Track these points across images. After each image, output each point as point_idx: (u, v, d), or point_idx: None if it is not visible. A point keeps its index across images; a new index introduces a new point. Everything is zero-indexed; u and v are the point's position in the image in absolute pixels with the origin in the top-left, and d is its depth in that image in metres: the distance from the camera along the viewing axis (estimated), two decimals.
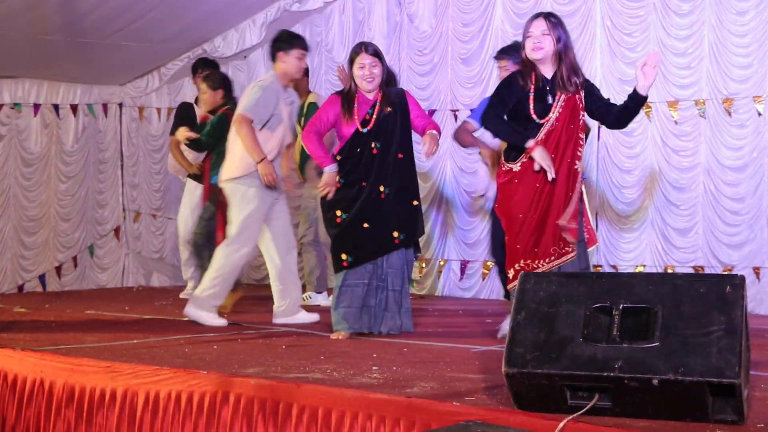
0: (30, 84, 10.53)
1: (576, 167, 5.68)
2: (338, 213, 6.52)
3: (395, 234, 6.52)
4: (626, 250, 8.88)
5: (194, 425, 4.68)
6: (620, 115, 5.71)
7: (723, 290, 3.79)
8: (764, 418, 3.79)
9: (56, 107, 10.77)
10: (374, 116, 6.52)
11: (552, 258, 5.68)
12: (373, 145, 6.51)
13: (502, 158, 5.86)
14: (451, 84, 9.93)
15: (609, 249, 8.95)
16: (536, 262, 5.67)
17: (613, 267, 8.78)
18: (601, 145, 8.98)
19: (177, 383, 4.79)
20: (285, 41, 7.21)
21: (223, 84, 8.54)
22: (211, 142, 8.23)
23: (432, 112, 9.93)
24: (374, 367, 5.10)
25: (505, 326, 6.92)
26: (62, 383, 5.20)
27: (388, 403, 4.13)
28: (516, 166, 5.69)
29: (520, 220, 5.69)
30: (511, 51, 6.95)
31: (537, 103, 5.68)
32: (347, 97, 6.54)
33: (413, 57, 10.24)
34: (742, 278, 3.83)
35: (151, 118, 11.55)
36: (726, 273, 7.94)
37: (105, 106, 11.24)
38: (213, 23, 10.48)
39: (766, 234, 8.27)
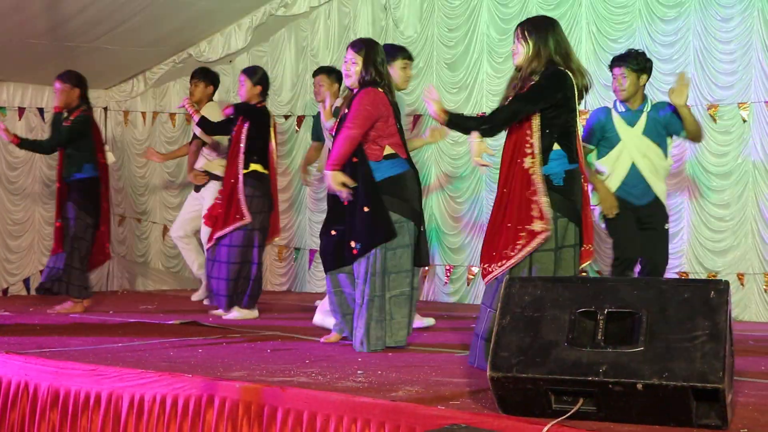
0: (15, 87, 10.51)
1: (524, 165, 5.40)
2: (333, 232, 6.37)
3: (352, 244, 6.17)
4: (611, 255, 8.88)
5: (179, 428, 4.67)
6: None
7: (707, 295, 3.80)
8: (747, 423, 3.80)
9: (41, 111, 10.75)
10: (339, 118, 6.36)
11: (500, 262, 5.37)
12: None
13: None
14: (436, 89, 9.93)
15: (596, 254, 8.96)
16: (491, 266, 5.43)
17: (598, 272, 8.79)
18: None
19: (162, 386, 4.78)
20: (388, 53, 7.20)
21: (79, 83, 8.61)
22: (62, 141, 8.47)
23: (417, 117, 9.94)
24: (359, 371, 5.10)
25: None
26: (47, 386, 5.19)
27: (373, 407, 4.13)
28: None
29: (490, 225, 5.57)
30: (629, 59, 6.97)
31: None
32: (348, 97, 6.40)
33: None
34: (727, 284, 3.84)
35: (136, 122, 11.53)
36: (710, 279, 7.96)
37: None
38: (199, 27, 10.48)
39: (751, 240, 8.31)
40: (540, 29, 5.46)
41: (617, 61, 7.04)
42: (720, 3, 8.47)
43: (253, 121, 8.05)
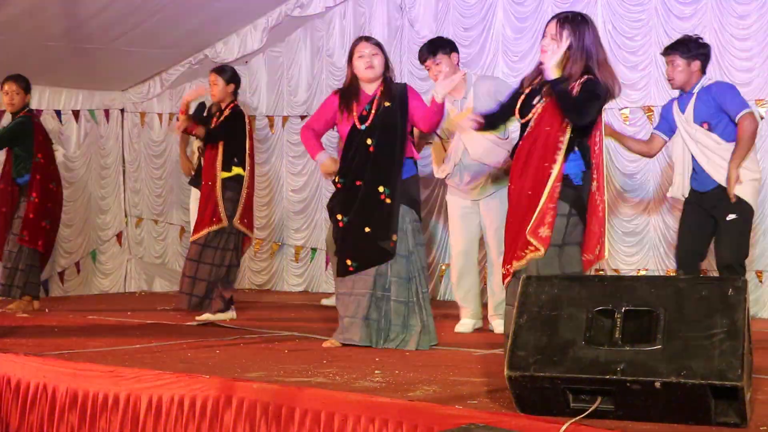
0: (32, 90, 10.53)
1: (547, 167, 5.28)
2: (339, 217, 6.27)
3: (394, 237, 6.17)
4: (628, 254, 8.89)
5: (197, 429, 4.68)
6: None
7: (725, 293, 3.79)
8: (767, 421, 3.79)
9: (58, 113, 10.79)
10: (372, 111, 6.22)
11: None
12: (369, 142, 6.20)
13: None
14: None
15: (611, 253, 8.96)
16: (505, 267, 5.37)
17: (615, 271, 8.78)
18: (603, 149, 8.97)
19: (180, 387, 4.79)
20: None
21: (28, 88, 8.84)
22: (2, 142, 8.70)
23: None
24: (377, 371, 5.10)
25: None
26: (65, 388, 5.20)
27: (390, 407, 4.13)
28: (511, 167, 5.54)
29: (506, 226, 5.41)
30: (679, 46, 6.81)
31: (524, 104, 5.44)
32: (346, 93, 6.31)
33: (414, 61, 10.21)
34: (745, 281, 3.82)
35: (153, 124, 11.57)
36: (728, 276, 7.92)
37: (107, 112, 11.26)
38: (215, 28, 10.50)
39: None
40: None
41: (668, 49, 6.88)
42: (736, 0, 8.44)
43: (230, 128, 7.97)
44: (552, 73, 5.23)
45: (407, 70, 10.25)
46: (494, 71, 9.64)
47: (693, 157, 6.74)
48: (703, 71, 6.77)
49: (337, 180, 6.32)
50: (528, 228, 5.17)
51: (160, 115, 11.51)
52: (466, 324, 7.33)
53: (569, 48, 5.30)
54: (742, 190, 6.64)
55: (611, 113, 8.93)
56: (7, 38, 9.22)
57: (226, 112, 7.95)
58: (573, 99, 5.19)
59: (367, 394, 4.33)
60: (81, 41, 9.72)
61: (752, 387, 3.93)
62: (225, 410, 4.60)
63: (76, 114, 10.93)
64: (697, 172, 6.75)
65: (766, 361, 5.29)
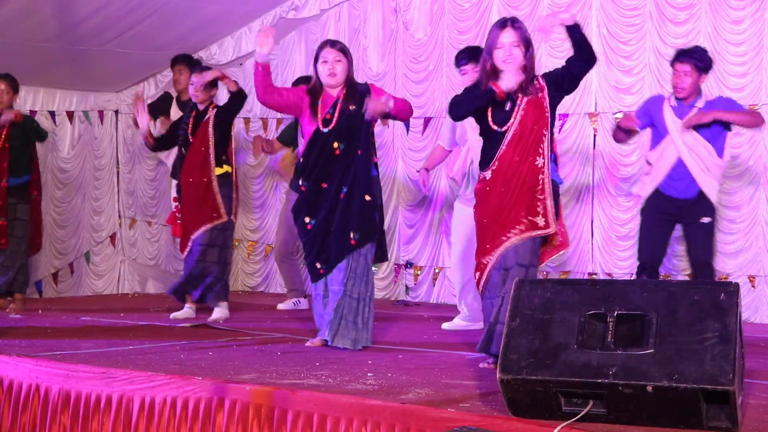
0: (26, 91, 10.50)
1: (537, 164, 5.38)
2: (306, 219, 6.29)
3: (351, 235, 6.22)
4: (622, 258, 8.90)
5: (189, 431, 4.68)
6: (578, 57, 5.40)
7: (717, 298, 3.80)
8: (758, 425, 3.80)
9: (52, 114, 10.76)
10: (335, 114, 6.24)
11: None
12: (336, 145, 6.23)
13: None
14: (446, 91, 9.94)
15: (604, 257, 8.97)
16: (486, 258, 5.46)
17: (609, 275, 8.79)
18: (597, 153, 9.00)
19: (172, 389, 4.79)
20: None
21: (17, 87, 9.04)
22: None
23: (428, 119, 9.95)
24: (369, 374, 5.11)
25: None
26: (58, 389, 5.20)
27: (383, 409, 4.13)
28: (488, 174, 5.45)
29: (485, 225, 5.47)
30: (695, 56, 6.86)
31: (495, 114, 5.45)
32: (313, 92, 6.32)
33: (408, 64, 10.25)
34: (737, 285, 3.84)
35: None
36: (720, 281, 7.95)
37: (101, 113, 11.24)
38: (209, 30, 10.49)
39: (762, 242, 8.30)
40: None
41: (683, 57, 6.85)
42: (731, 5, 8.46)
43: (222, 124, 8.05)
44: (516, 76, 5.35)
45: (402, 73, 10.26)
46: None
47: (678, 164, 6.81)
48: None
49: (300, 183, 6.35)
50: (524, 217, 5.33)
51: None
52: (456, 324, 7.41)
53: (528, 49, 5.46)
54: (714, 196, 6.91)
55: (604, 117, 8.95)
56: (1, 39, 9.21)
57: (212, 108, 8.03)
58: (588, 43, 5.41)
59: (360, 396, 4.34)
60: (75, 42, 9.70)
61: (744, 391, 3.94)
62: (218, 412, 4.61)
63: (70, 115, 10.90)
64: (680, 179, 6.82)
65: (758, 365, 5.31)
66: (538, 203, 5.31)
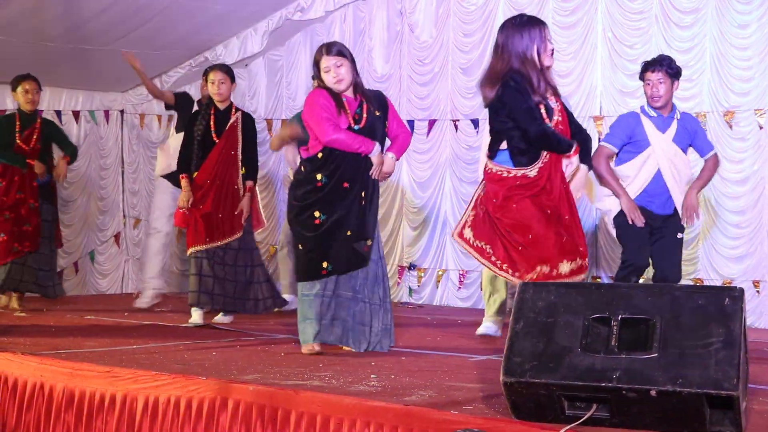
0: None
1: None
2: (317, 214, 6.09)
3: (368, 242, 6.18)
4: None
5: (192, 431, 4.68)
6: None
7: (722, 302, 3.80)
8: (762, 430, 3.80)
9: (58, 113, 10.79)
10: (364, 115, 6.13)
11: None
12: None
13: (495, 163, 5.91)
14: (451, 94, 9.96)
15: (609, 261, 8.97)
16: (553, 271, 5.73)
17: (612, 278, 8.79)
18: None
19: (176, 389, 4.79)
20: None
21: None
22: None
23: (432, 121, 9.95)
24: (372, 375, 5.11)
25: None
26: (62, 387, 5.21)
27: (386, 411, 4.13)
28: (532, 171, 5.78)
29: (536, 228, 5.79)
30: (664, 63, 6.90)
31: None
32: (332, 92, 6.12)
33: (414, 66, 10.27)
34: (741, 290, 3.83)
35: (152, 125, 11.57)
36: (725, 285, 7.94)
37: (107, 113, 11.26)
38: (215, 31, 10.51)
39: (767, 247, 8.29)
40: None
41: (654, 66, 6.90)
42: (736, 9, 8.46)
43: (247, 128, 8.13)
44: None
45: (407, 75, 10.27)
46: None
47: (656, 177, 6.84)
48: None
49: (319, 178, 6.10)
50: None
51: (159, 117, 11.51)
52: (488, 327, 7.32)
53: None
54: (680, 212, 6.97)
55: (609, 120, 8.93)
56: (7, 39, 9.23)
57: (238, 114, 8.09)
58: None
59: (363, 398, 4.34)
60: (81, 42, 9.72)
61: (748, 397, 3.94)
62: (221, 412, 4.61)
63: (76, 115, 10.93)
64: (658, 193, 6.85)
65: (762, 371, 5.31)
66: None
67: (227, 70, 8.06)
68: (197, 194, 7.89)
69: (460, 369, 5.48)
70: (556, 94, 5.91)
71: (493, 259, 5.87)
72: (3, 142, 8.80)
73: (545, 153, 5.76)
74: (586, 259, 5.79)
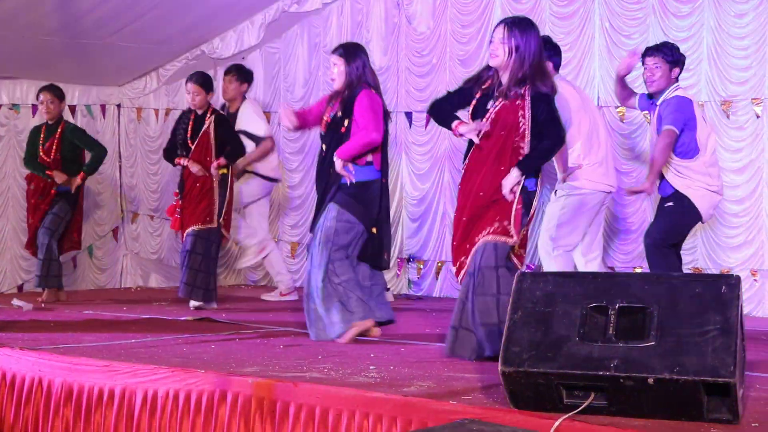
0: (28, 85, 10.51)
1: (503, 171, 5.62)
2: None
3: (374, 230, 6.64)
4: (624, 252, 8.90)
5: (192, 424, 4.69)
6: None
7: (718, 290, 3.80)
8: (759, 417, 3.81)
9: None
10: (330, 118, 6.46)
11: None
12: (323, 147, 6.50)
13: None
14: (449, 85, 9.92)
15: (606, 251, 8.96)
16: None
17: (610, 268, 8.79)
18: None
19: (175, 382, 4.80)
20: None
21: (62, 96, 9.42)
22: None
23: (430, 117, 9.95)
24: (371, 367, 5.11)
25: None
26: (60, 382, 5.21)
27: (385, 402, 4.14)
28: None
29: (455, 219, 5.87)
30: (663, 49, 6.94)
31: (477, 108, 5.75)
32: (331, 95, 6.59)
33: (411, 58, 10.25)
34: (738, 278, 3.84)
35: (149, 119, 11.54)
36: (722, 273, 7.95)
37: (103, 107, 11.24)
38: (211, 24, 10.49)
39: (764, 236, 8.29)
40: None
41: (651, 51, 6.95)
42: None
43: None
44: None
45: (405, 67, 10.26)
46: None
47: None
48: (676, 79, 6.95)
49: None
50: (491, 226, 5.57)
51: (156, 111, 11.48)
52: None
53: (516, 51, 5.54)
54: (693, 194, 6.92)
55: (607, 111, 8.93)
56: (3, 33, 9.21)
57: (211, 119, 8.53)
58: (544, 150, 5.63)
59: (362, 389, 4.35)
60: (78, 36, 9.70)
61: (745, 384, 3.94)
62: (220, 405, 4.62)
63: (72, 109, 10.89)
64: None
65: (759, 358, 5.32)
66: (512, 211, 5.63)
67: (202, 82, 8.43)
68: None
69: (458, 359, 5.48)
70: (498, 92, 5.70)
71: None
72: (29, 153, 9.32)
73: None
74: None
